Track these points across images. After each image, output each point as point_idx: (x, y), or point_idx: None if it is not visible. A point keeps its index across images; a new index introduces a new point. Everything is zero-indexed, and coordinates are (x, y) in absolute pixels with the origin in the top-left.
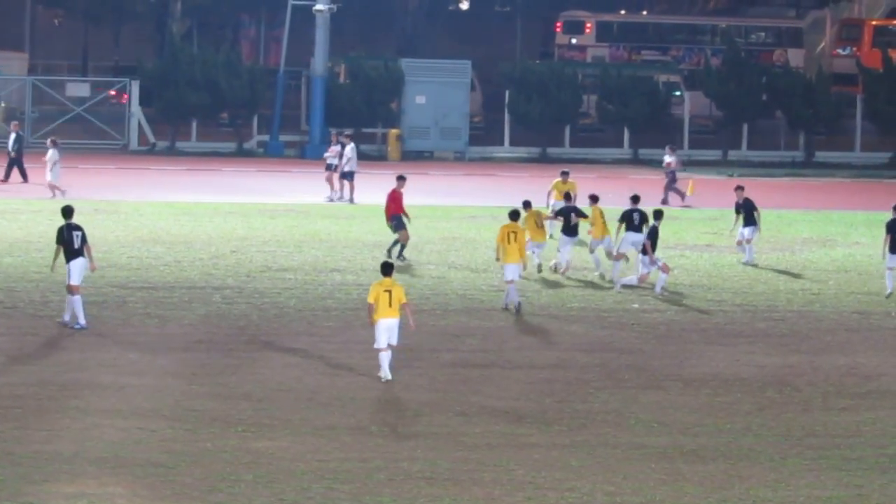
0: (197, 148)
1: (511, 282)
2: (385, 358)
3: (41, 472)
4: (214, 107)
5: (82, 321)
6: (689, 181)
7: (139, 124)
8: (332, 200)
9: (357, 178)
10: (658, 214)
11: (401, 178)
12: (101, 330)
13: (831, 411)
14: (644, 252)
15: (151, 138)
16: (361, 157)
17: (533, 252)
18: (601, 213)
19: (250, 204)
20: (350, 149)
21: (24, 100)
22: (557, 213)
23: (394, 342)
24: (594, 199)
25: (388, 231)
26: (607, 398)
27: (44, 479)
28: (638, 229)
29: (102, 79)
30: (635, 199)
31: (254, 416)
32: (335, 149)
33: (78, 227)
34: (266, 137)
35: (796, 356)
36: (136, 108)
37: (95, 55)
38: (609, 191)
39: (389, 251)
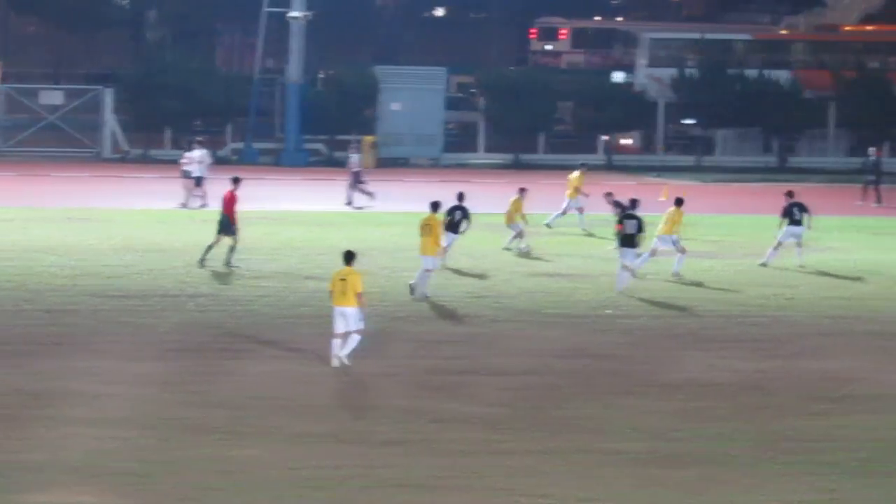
0: (170, 156)
1: (428, 271)
2: (336, 344)
3: (13, 481)
4: (189, 114)
5: None
6: (664, 186)
7: (112, 133)
8: (184, 207)
9: (328, 186)
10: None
11: (236, 180)
12: (74, 338)
13: (805, 416)
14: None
15: (125, 146)
16: (338, 164)
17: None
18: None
19: None
20: (201, 154)
21: None
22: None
23: (352, 328)
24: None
25: (366, 238)
26: (582, 404)
27: (17, 489)
28: (798, 223)
29: (75, 87)
30: (790, 194)
31: (228, 424)
32: (190, 155)
33: None
34: (241, 145)
35: (771, 361)
36: (109, 117)
37: (70, 63)
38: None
39: (228, 261)
